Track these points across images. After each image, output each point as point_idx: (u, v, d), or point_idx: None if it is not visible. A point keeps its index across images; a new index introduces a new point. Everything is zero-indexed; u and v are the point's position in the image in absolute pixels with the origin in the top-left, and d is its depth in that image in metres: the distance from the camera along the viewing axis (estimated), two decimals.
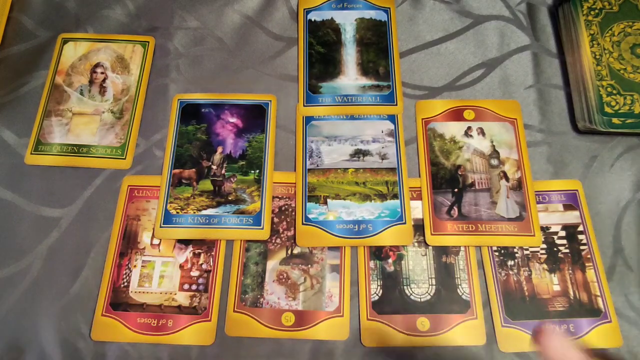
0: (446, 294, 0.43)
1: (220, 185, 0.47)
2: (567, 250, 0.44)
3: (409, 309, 0.42)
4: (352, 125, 0.49)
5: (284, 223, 0.46)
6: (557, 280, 0.43)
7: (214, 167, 0.47)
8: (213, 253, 0.44)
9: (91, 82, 0.52)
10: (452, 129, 0.49)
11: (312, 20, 0.54)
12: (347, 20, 0.53)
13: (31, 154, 0.48)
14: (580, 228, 0.45)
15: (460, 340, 0.41)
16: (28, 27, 0.54)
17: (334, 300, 0.43)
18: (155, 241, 0.45)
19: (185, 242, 0.45)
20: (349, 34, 0.53)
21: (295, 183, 0.47)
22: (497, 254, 0.44)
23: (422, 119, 0.50)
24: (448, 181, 0.47)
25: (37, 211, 0.46)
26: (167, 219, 0.45)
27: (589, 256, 0.44)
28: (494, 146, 0.48)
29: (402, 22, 0.54)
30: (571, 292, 0.43)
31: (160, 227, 0.45)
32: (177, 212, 0.45)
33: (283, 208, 0.46)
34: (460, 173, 0.47)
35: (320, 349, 0.41)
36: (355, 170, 0.47)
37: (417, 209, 0.46)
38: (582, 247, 0.44)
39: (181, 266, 0.44)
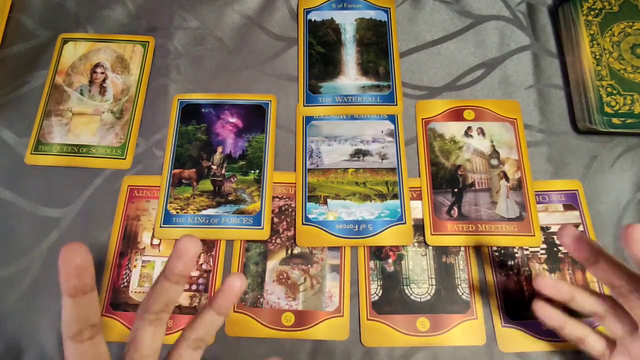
0: (446, 294, 0.43)
1: (220, 185, 0.47)
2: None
3: (409, 309, 0.42)
4: (352, 125, 0.49)
5: (284, 223, 0.46)
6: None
7: (214, 167, 0.47)
8: (213, 253, 0.44)
9: (91, 82, 0.52)
10: (452, 129, 0.49)
11: (312, 20, 0.54)
12: (347, 20, 0.53)
13: (31, 154, 0.48)
14: (580, 228, 0.45)
15: (460, 340, 0.41)
16: (28, 27, 0.54)
17: (334, 300, 0.43)
18: (155, 241, 0.45)
19: None
20: (349, 34, 0.53)
21: (295, 183, 0.47)
22: (497, 254, 0.44)
23: (422, 119, 0.50)
24: (448, 181, 0.47)
25: (37, 211, 0.46)
26: (167, 219, 0.45)
27: None
28: (494, 146, 0.48)
29: (402, 22, 0.54)
30: None
31: (160, 227, 0.45)
32: (177, 212, 0.45)
33: (283, 208, 0.46)
34: (460, 173, 0.47)
35: (320, 349, 0.41)
36: (355, 170, 0.47)
37: (417, 209, 0.46)
38: None
39: None
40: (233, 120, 0.50)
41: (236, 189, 0.46)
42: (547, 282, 0.36)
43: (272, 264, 0.44)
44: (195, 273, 0.44)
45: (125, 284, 0.43)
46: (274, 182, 0.47)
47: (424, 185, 0.47)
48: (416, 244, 0.45)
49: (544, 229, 0.45)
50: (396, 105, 0.50)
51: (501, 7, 0.55)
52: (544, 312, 0.36)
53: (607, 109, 0.47)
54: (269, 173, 0.47)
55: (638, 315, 0.32)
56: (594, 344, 0.35)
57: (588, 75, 0.48)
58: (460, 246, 0.45)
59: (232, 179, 0.47)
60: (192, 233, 0.44)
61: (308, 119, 0.49)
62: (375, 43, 0.52)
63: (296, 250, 0.45)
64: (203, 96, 0.51)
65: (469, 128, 0.49)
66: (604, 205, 0.46)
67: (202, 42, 0.54)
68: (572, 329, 0.36)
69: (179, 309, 0.42)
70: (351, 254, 0.44)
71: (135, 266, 0.44)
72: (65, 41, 0.53)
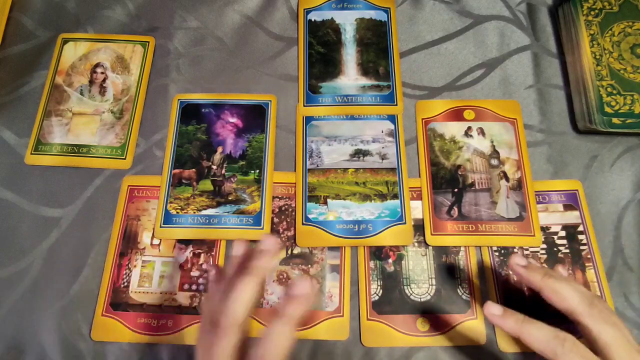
0: (446, 294, 0.43)
1: (220, 185, 0.47)
2: (567, 251, 0.44)
3: (409, 309, 0.42)
4: (352, 125, 0.49)
5: (284, 223, 0.46)
6: None
7: (214, 167, 0.47)
8: (213, 253, 0.44)
9: (91, 82, 0.52)
10: (452, 129, 0.49)
11: (312, 20, 0.54)
12: (347, 20, 0.53)
13: (31, 154, 0.48)
14: (580, 228, 0.45)
15: (460, 340, 0.41)
16: (28, 27, 0.54)
17: (334, 300, 0.43)
18: (155, 241, 0.45)
19: (185, 242, 0.45)
20: (349, 34, 0.53)
21: (295, 183, 0.47)
22: (497, 254, 0.44)
23: (422, 119, 0.50)
24: (448, 181, 0.47)
25: (37, 211, 0.46)
26: (167, 219, 0.45)
27: (589, 256, 0.44)
28: (494, 146, 0.48)
29: (402, 22, 0.54)
30: None
31: (160, 227, 0.45)
32: (177, 212, 0.45)
33: (283, 208, 0.46)
34: (460, 173, 0.47)
35: (320, 349, 0.41)
36: (355, 170, 0.47)
37: (417, 209, 0.46)
38: (582, 247, 0.44)
39: (181, 266, 0.44)
40: (233, 120, 0.50)
41: (236, 189, 0.46)
42: (519, 270, 0.36)
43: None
44: (195, 273, 0.44)
45: (126, 284, 0.43)
46: (274, 182, 0.47)
47: (424, 185, 0.47)
48: (416, 244, 0.45)
49: (544, 229, 0.45)
50: (396, 105, 0.50)
51: (501, 7, 0.55)
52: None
53: (607, 109, 0.47)
54: (269, 173, 0.47)
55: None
56: None
57: (588, 75, 0.48)
58: (460, 246, 0.45)
59: (232, 179, 0.47)
60: (194, 233, 0.44)
61: (308, 119, 0.49)
62: (375, 43, 0.52)
63: (296, 250, 0.45)
64: (203, 96, 0.51)
65: (469, 128, 0.49)
66: (604, 205, 0.46)
67: (202, 42, 0.54)
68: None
69: (179, 309, 0.42)
70: (351, 254, 0.44)
71: (135, 266, 0.44)
72: (65, 41, 0.53)
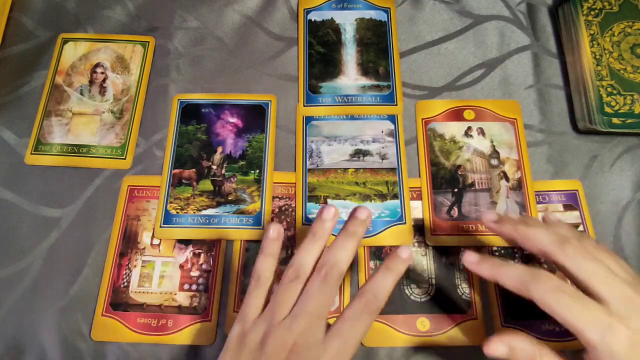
0: (446, 294, 0.43)
1: (220, 185, 0.47)
2: None
3: (409, 309, 0.42)
4: (352, 125, 0.49)
5: (284, 223, 0.46)
6: None
7: (214, 167, 0.47)
8: (213, 253, 0.44)
9: (91, 82, 0.52)
10: (452, 129, 0.49)
11: (312, 20, 0.54)
12: (347, 20, 0.53)
13: (31, 154, 0.48)
14: (580, 228, 0.45)
15: (460, 340, 0.41)
16: (28, 27, 0.54)
17: (334, 300, 0.43)
18: (155, 241, 0.45)
19: (185, 242, 0.45)
20: (349, 34, 0.53)
21: (295, 183, 0.47)
22: (497, 254, 0.44)
23: (422, 119, 0.50)
24: (448, 181, 0.47)
25: (37, 211, 0.46)
26: (167, 219, 0.45)
27: None
28: (494, 146, 0.48)
29: (402, 22, 0.54)
30: None
31: (160, 227, 0.45)
32: (177, 212, 0.45)
33: (283, 208, 0.46)
34: (460, 173, 0.47)
35: None
36: (355, 170, 0.47)
37: (417, 209, 0.46)
38: None
39: (181, 266, 0.44)
40: (233, 120, 0.50)
41: (236, 189, 0.46)
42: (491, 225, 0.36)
43: None
44: (195, 273, 0.44)
45: (126, 284, 0.43)
46: (274, 182, 0.47)
47: (424, 185, 0.47)
48: (416, 244, 0.45)
49: None
50: (396, 105, 0.50)
51: (501, 7, 0.55)
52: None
53: (607, 109, 0.47)
54: (269, 173, 0.47)
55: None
56: None
57: (588, 75, 0.48)
58: (460, 246, 0.45)
59: (232, 179, 0.47)
60: (194, 233, 0.44)
61: (308, 119, 0.49)
62: (375, 43, 0.52)
63: None
64: (203, 96, 0.51)
65: (469, 128, 0.49)
66: (604, 205, 0.46)
67: (202, 42, 0.54)
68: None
69: (179, 309, 0.42)
70: None
71: (135, 266, 0.44)
72: (65, 41, 0.53)
